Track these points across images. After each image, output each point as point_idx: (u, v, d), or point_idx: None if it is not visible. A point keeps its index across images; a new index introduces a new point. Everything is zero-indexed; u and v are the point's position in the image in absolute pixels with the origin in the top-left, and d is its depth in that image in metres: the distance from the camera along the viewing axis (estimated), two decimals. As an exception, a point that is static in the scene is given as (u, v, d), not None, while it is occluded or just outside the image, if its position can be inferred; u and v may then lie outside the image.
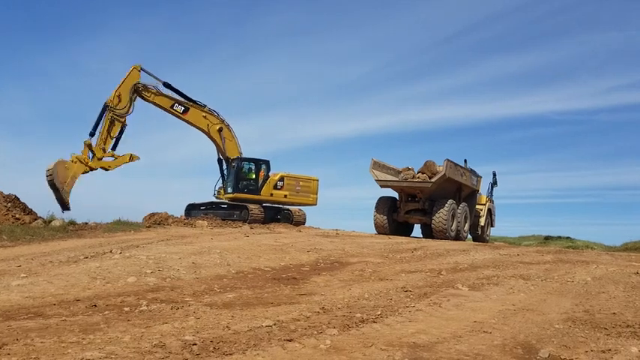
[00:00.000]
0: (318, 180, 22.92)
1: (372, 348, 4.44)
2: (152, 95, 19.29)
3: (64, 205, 16.83)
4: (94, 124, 17.91)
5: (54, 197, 16.81)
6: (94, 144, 17.68)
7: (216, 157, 21.37)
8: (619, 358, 4.53)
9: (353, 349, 4.38)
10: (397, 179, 20.46)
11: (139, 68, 18.86)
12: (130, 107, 18.64)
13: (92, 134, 17.82)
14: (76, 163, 17.20)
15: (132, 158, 18.71)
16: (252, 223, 19.21)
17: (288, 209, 21.99)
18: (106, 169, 18.30)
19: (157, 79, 19.35)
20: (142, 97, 19.07)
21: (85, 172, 17.62)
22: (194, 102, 20.23)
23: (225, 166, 21.43)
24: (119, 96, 18.29)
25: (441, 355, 4.34)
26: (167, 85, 19.57)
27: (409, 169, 20.81)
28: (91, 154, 17.59)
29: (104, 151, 18.08)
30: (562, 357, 4.47)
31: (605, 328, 5.52)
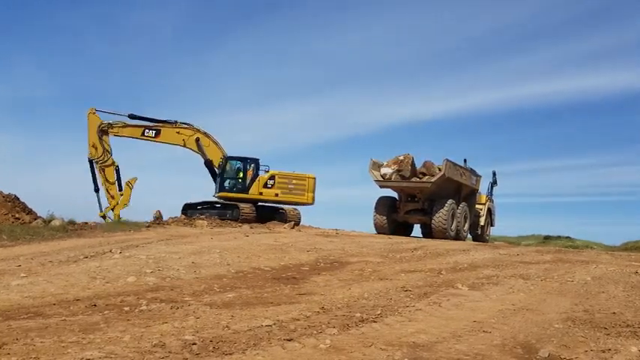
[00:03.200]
0: (314, 178, 22.39)
1: (372, 348, 4.44)
2: (119, 130, 20.18)
3: None
4: (92, 181, 19.24)
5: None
6: (103, 201, 19.30)
7: (203, 161, 21.67)
8: (619, 357, 4.53)
9: (353, 349, 4.38)
10: (397, 180, 20.44)
11: (94, 111, 19.71)
12: (107, 150, 19.66)
13: (97, 190, 19.26)
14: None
15: (132, 183, 19.99)
16: (243, 222, 19.26)
17: (282, 208, 22.00)
18: (127, 206, 19.73)
19: (118, 114, 20.35)
20: (111, 134, 20.02)
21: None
22: (164, 122, 21.01)
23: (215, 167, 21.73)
24: (94, 146, 19.30)
25: (440, 355, 4.34)
26: (132, 116, 20.40)
27: (408, 156, 20.74)
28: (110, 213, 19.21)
29: (113, 197, 19.43)
30: (562, 357, 4.48)
31: (605, 328, 5.52)
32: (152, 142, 20.84)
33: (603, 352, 4.64)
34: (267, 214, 21.47)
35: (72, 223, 14.38)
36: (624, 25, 77.76)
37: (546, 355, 4.46)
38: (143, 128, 20.65)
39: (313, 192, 22.28)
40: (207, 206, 21.23)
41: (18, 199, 15.67)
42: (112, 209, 19.36)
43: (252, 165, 21.62)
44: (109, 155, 19.60)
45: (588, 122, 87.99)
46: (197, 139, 21.30)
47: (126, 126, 20.36)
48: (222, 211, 20.59)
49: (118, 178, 19.58)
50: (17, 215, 14.64)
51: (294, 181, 22.21)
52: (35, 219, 14.76)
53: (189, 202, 21.61)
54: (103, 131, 19.63)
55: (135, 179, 20.23)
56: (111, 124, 19.87)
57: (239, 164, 21.60)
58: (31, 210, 15.66)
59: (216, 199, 21.56)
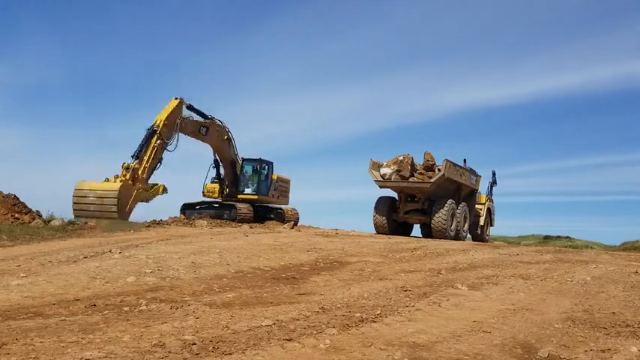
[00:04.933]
0: (290, 181, 23.99)
1: (372, 347, 4.44)
2: (188, 126, 18.69)
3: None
4: (138, 147, 16.82)
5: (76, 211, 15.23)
6: (136, 166, 16.52)
7: (212, 158, 21.48)
8: (618, 357, 4.53)
9: (352, 349, 4.38)
10: (397, 180, 20.44)
11: (183, 102, 18.33)
12: (175, 143, 17.84)
13: (135, 157, 16.72)
14: (130, 185, 15.99)
15: (162, 190, 17.75)
16: (240, 222, 19.35)
17: (280, 208, 22.29)
18: (144, 201, 17.22)
19: (186, 105, 18.72)
20: (181, 131, 18.43)
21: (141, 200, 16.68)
22: (206, 117, 19.90)
23: (222, 167, 21.63)
24: (166, 125, 17.35)
25: (440, 355, 4.34)
26: (190, 108, 19.13)
27: (407, 156, 20.77)
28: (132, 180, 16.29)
29: (146, 182, 16.93)
30: (561, 356, 4.48)
31: (605, 328, 5.53)
32: (198, 143, 19.37)
33: (603, 351, 4.64)
34: (265, 214, 21.66)
35: (72, 223, 14.36)
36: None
37: (546, 355, 4.46)
38: (199, 125, 19.36)
39: (289, 193, 23.78)
40: (205, 206, 21.35)
41: (17, 198, 15.64)
42: (134, 180, 16.31)
43: (271, 168, 22.15)
44: (171, 147, 17.64)
45: (590, 121, 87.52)
46: (228, 140, 20.97)
47: (192, 122, 18.96)
48: (220, 211, 20.73)
49: (154, 169, 17.29)
50: (17, 215, 14.62)
51: (284, 184, 22.95)
52: (34, 219, 14.73)
53: (187, 202, 21.73)
54: (180, 126, 18.08)
55: (166, 191, 17.86)
56: (185, 121, 18.46)
57: (267, 166, 21.99)
58: (30, 210, 15.63)
59: (213, 199, 21.68)
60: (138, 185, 16.47)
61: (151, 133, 17.03)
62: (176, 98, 18.29)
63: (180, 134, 18.53)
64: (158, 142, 17.02)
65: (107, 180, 15.99)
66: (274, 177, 22.25)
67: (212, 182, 21.93)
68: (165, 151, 17.56)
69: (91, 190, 15.47)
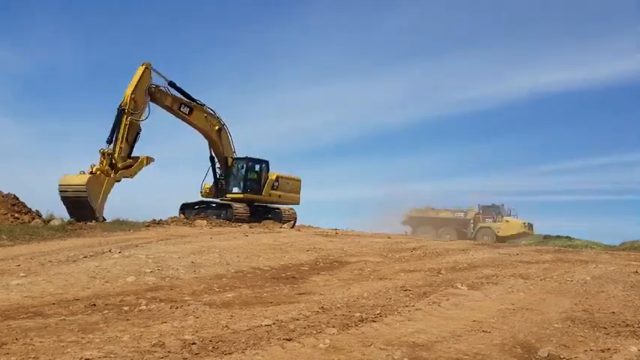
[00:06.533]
0: (301, 180, 23.58)
1: (372, 347, 4.44)
2: (164, 97, 18.65)
3: (95, 218, 15.53)
4: (110, 130, 16.86)
5: (68, 207, 15.54)
6: (111, 152, 16.54)
7: (208, 155, 21.40)
8: (618, 357, 4.53)
9: (352, 349, 4.38)
10: None
11: (149, 66, 17.99)
12: (146, 112, 17.87)
13: (110, 141, 16.78)
14: (101, 176, 16.07)
15: (148, 161, 17.82)
16: (236, 222, 19.34)
17: (277, 208, 22.28)
18: (129, 177, 17.32)
19: (164, 78, 18.71)
20: (154, 100, 18.33)
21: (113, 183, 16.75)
22: (195, 101, 19.86)
23: (218, 165, 21.59)
24: (134, 99, 17.25)
25: (440, 355, 4.34)
26: (172, 85, 19.00)
27: None
28: (110, 165, 16.41)
29: (124, 159, 17.02)
30: (561, 356, 4.48)
31: (605, 328, 5.52)
32: (180, 122, 19.24)
33: (602, 351, 4.65)
34: (263, 214, 21.66)
35: (71, 222, 14.36)
36: None
37: (546, 355, 4.46)
38: (180, 102, 19.36)
39: (299, 193, 23.34)
40: (203, 206, 21.38)
41: (17, 198, 15.64)
42: (113, 164, 16.49)
43: (265, 166, 22.06)
44: (143, 117, 17.68)
45: (591, 121, 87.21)
46: (219, 130, 20.85)
47: (168, 95, 18.82)
48: (217, 210, 20.73)
49: (133, 144, 17.44)
50: (16, 215, 14.62)
51: (290, 183, 22.79)
52: (34, 219, 14.73)
53: (186, 202, 21.72)
54: (151, 94, 18.04)
55: (152, 160, 17.99)
56: (159, 89, 18.37)
57: (258, 165, 21.94)
58: (30, 209, 15.62)
59: (209, 199, 21.67)
60: (111, 174, 16.57)
61: (119, 112, 17.04)
62: (143, 64, 17.97)
63: (162, 109, 18.61)
64: (128, 119, 17.08)
65: (83, 172, 16.10)
66: (273, 176, 22.08)
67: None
68: (140, 122, 17.63)
69: (68, 185, 15.66)
